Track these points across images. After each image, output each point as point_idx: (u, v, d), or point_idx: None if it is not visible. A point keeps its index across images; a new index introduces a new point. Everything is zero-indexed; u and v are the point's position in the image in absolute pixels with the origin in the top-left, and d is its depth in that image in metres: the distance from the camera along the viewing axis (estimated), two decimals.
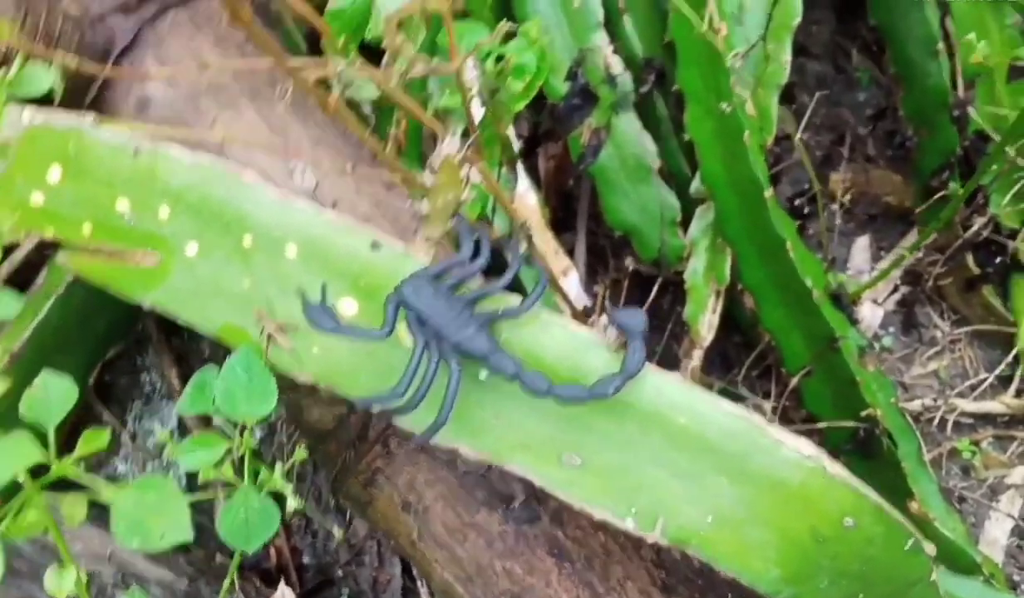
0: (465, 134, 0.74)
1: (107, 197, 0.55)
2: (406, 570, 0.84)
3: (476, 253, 0.49)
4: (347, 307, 0.51)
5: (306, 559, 0.83)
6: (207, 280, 0.53)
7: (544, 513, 0.55)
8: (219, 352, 0.89)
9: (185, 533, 0.36)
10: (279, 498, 0.54)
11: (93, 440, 0.37)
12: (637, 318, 0.46)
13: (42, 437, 0.39)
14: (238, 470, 0.56)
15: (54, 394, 0.39)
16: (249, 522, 0.51)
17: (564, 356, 0.48)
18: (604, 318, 0.49)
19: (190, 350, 0.89)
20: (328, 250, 0.51)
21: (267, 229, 0.52)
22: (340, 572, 0.83)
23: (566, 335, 0.48)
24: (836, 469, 0.46)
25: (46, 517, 0.39)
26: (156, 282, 0.54)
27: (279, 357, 0.52)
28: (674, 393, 0.47)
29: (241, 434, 0.53)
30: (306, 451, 0.58)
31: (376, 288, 0.50)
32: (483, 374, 0.48)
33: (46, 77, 0.36)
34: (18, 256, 0.75)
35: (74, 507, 0.38)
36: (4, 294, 0.37)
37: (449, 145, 0.46)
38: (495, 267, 0.53)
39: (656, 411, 0.47)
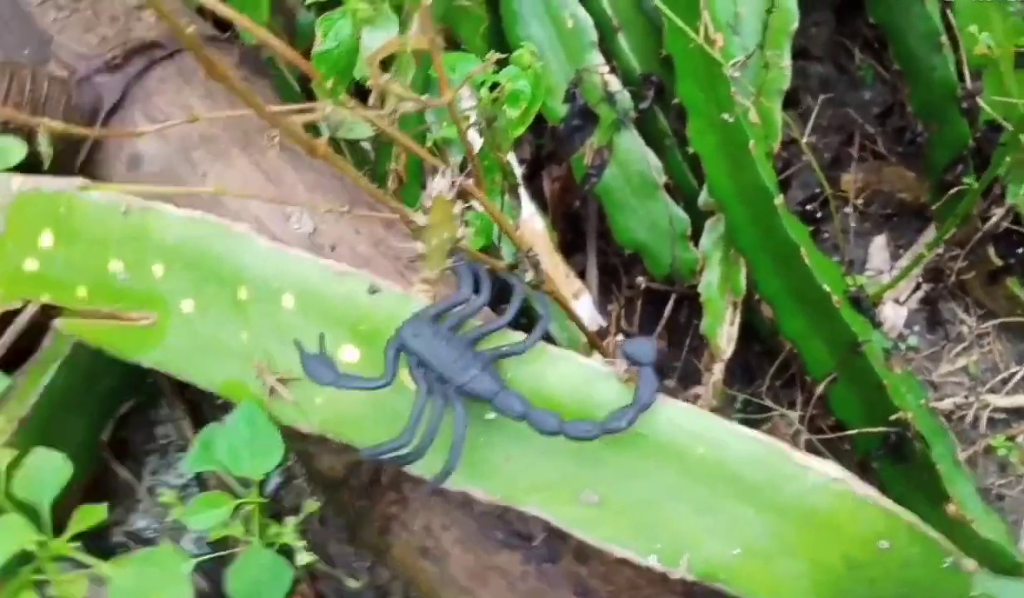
0: (464, 165, 0.73)
1: (100, 259, 0.55)
2: None
3: (477, 290, 0.48)
4: (348, 355, 0.49)
5: None
6: (205, 336, 0.52)
7: (566, 551, 0.53)
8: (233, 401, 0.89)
9: None
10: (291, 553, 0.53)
11: (89, 516, 0.36)
12: (647, 347, 0.44)
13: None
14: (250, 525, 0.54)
15: (47, 471, 0.38)
16: (259, 581, 0.49)
17: (573, 390, 0.46)
18: (615, 346, 0.47)
19: (203, 399, 0.88)
20: (325, 297, 0.50)
21: (262, 280, 0.51)
22: None
23: (574, 368, 0.46)
24: (865, 491, 0.44)
25: None
26: (154, 341, 0.53)
27: (282, 409, 0.51)
28: (690, 422, 0.45)
29: (248, 490, 0.52)
30: (319, 502, 0.56)
31: (376, 333, 0.49)
32: (490, 415, 0.47)
33: (16, 149, 0.35)
34: (23, 320, 0.75)
35: (72, 587, 0.37)
36: None
37: (440, 182, 0.45)
38: (502, 299, 0.51)
39: (673, 442, 0.45)
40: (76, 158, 0.64)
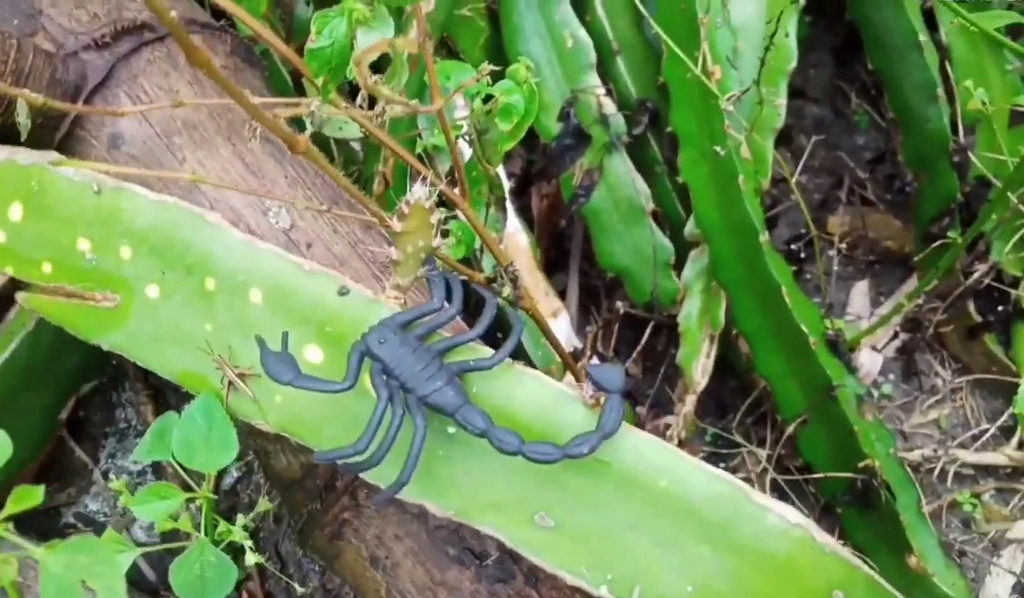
0: (450, 174, 0.72)
1: (68, 237, 0.53)
2: None
3: (450, 300, 0.47)
4: (312, 355, 0.48)
5: None
6: (168, 324, 0.51)
7: (519, 572, 0.52)
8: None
9: None
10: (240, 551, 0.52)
11: (25, 498, 0.35)
12: (615, 374, 0.43)
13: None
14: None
15: None
16: (204, 578, 0.48)
17: (539, 411, 0.45)
18: (584, 369, 0.46)
19: (167, 386, 0.87)
20: (294, 295, 0.49)
21: (231, 273, 0.50)
22: None
23: (541, 389, 0.46)
24: (825, 539, 0.43)
25: None
26: (115, 324, 0.52)
27: (240, 405, 0.50)
28: (654, 454, 0.44)
29: (199, 485, 0.51)
30: (272, 502, 0.55)
31: (343, 336, 0.48)
32: (452, 428, 0.46)
33: None
34: None
35: (3, 567, 0.36)
36: None
37: (419, 190, 0.44)
38: (477, 313, 0.50)
39: (635, 473, 0.44)
40: (56, 133, 0.63)
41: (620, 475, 0.44)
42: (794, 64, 0.84)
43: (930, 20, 0.89)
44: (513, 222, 0.91)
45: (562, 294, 0.98)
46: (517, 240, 0.92)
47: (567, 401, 0.45)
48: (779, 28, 0.78)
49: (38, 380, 0.73)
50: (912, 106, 0.90)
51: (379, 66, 0.75)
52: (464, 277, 0.52)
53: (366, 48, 0.46)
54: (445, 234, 0.47)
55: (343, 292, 0.48)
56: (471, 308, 0.51)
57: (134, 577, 0.78)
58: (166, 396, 0.87)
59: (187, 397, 0.87)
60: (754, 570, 0.43)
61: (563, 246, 1.02)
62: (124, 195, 0.52)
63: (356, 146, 0.91)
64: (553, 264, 1.01)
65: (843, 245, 1.01)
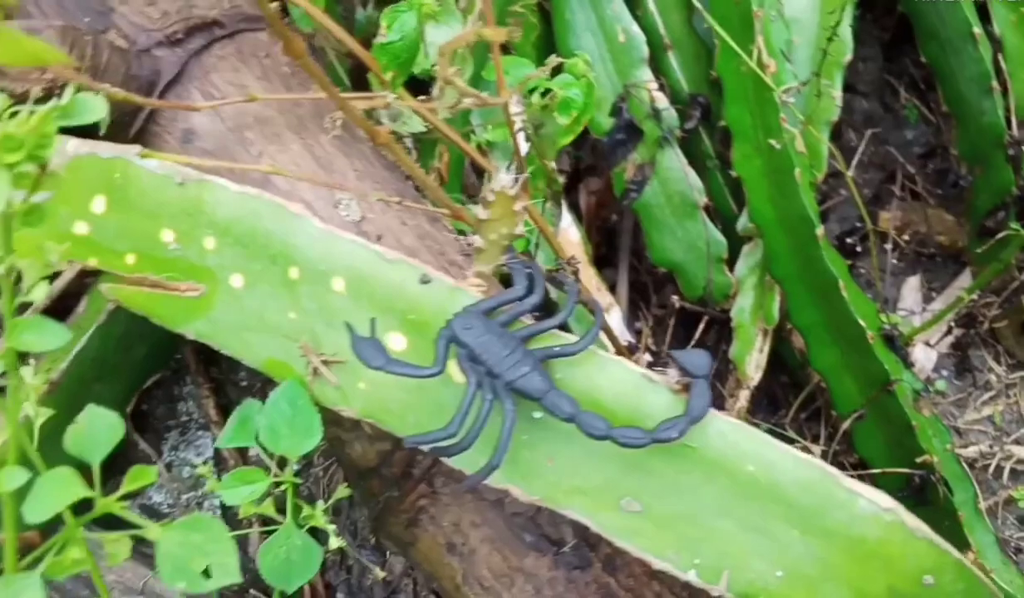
0: (509, 169, 0.73)
1: (151, 228, 0.54)
2: None
3: (530, 289, 0.48)
4: (395, 342, 0.49)
5: (340, 595, 0.81)
6: (252, 312, 0.52)
7: (596, 559, 0.53)
8: (256, 383, 0.88)
9: (233, 575, 0.34)
10: (319, 535, 0.53)
11: (139, 477, 0.36)
12: (702, 359, 0.44)
13: (85, 471, 0.37)
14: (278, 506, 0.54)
15: (99, 429, 0.38)
16: (290, 561, 0.49)
17: (622, 396, 0.46)
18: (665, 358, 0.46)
19: (228, 380, 0.88)
20: (376, 284, 0.50)
21: (314, 262, 0.51)
22: None
23: (625, 375, 0.46)
24: (916, 523, 0.43)
25: (88, 557, 0.37)
26: (200, 313, 0.53)
27: (324, 392, 0.51)
28: (741, 439, 0.45)
29: (282, 469, 0.52)
30: (348, 488, 0.56)
31: (425, 323, 0.49)
32: (537, 414, 0.46)
33: (98, 106, 0.35)
34: (58, 285, 0.75)
35: (118, 546, 0.37)
36: (50, 324, 0.36)
37: (504, 178, 0.44)
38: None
39: (722, 458, 0.44)
40: (130, 129, 0.64)
41: (707, 460, 0.45)
42: (850, 56, 0.84)
43: (983, 13, 0.88)
44: (566, 217, 0.91)
45: (611, 289, 0.98)
46: (569, 235, 0.92)
47: (650, 387, 0.46)
48: (838, 20, 0.78)
49: (108, 372, 0.74)
50: (967, 99, 0.89)
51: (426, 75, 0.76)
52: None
53: (455, 38, 0.47)
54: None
55: (425, 280, 0.49)
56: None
57: None
58: (226, 390, 0.88)
59: (247, 390, 0.89)
60: (844, 555, 0.43)
61: (612, 242, 1.02)
62: (207, 187, 0.53)
63: (408, 143, 0.92)
64: (601, 260, 1.01)
65: (895, 240, 1.00)
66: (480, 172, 0.89)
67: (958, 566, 0.44)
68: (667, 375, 0.45)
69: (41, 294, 0.36)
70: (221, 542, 0.34)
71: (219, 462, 0.85)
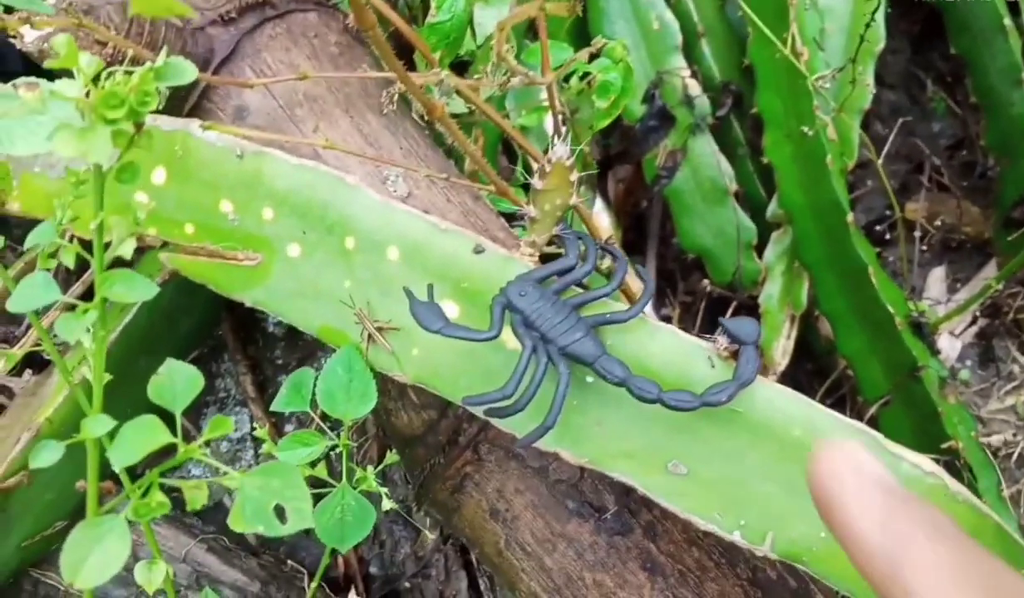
0: (546, 152, 0.75)
1: (211, 199, 0.56)
2: (472, 585, 0.83)
3: (579, 260, 0.49)
4: (448, 310, 0.51)
5: (373, 569, 0.83)
6: (308, 281, 0.54)
7: (637, 525, 0.54)
8: (291, 361, 0.90)
9: (307, 520, 0.36)
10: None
11: (219, 426, 0.38)
12: (751, 327, 0.45)
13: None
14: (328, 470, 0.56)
15: (179, 380, 0.40)
16: (344, 521, 0.51)
17: (671, 363, 0.47)
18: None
19: (264, 358, 0.90)
20: (430, 253, 0.51)
21: (369, 232, 0.53)
22: (407, 584, 0.83)
23: (675, 341, 0.47)
24: (958, 488, 0.44)
25: (168, 501, 0.39)
26: (258, 281, 0.55)
27: (378, 358, 0.52)
28: (787, 404, 0.46)
29: (337, 434, 0.54)
30: (396, 454, 0.58)
31: (478, 292, 0.50)
32: (589, 378, 0.48)
33: (189, 70, 0.37)
34: (108, 256, 0.77)
35: (196, 492, 0.39)
36: (139, 278, 0.38)
37: (561, 148, 0.46)
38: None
39: (768, 422, 0.46)
40: (184, 105, 0.66)
41: (753, 424, 0.46)
42: (882, 45, 0.85)
43: (1013, 6, 0.89)
44: (598, 202, 0.93)
45: (638, 275, 0.99)
46: (600, 220, 0.94)
47: (699, 354, 0.47)
48: (876, 6, 0.79)
49: (154, 345, 0.76)
50: (996, 91, 0.91)
51: (461, 59, 0.78)
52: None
53: (517, 11, 0.48)
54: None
55: (479, 250, 0.50)
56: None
57: (236, 538, 0.81)
58: (263, 368, 0.90)
59: (283, 369, 0.91)
60: None
61: (638, 229, 1.04)
62: (266, 159, 0.54)
63: (439, 128, 0.93)
64: (628, 247, 1.03)
65: (922, 230, 1.02)
66: (513, 158, 0.90)
67: (997, 530, 0.45)
68: (715, 342, 0.47)
69: (129, 250, 0.38)
70: (298, 488, 0.36)
71: (255, 439, 0.87)
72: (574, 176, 0.47)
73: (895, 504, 0.28)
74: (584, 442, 0.48)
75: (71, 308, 0.38)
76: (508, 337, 0.50)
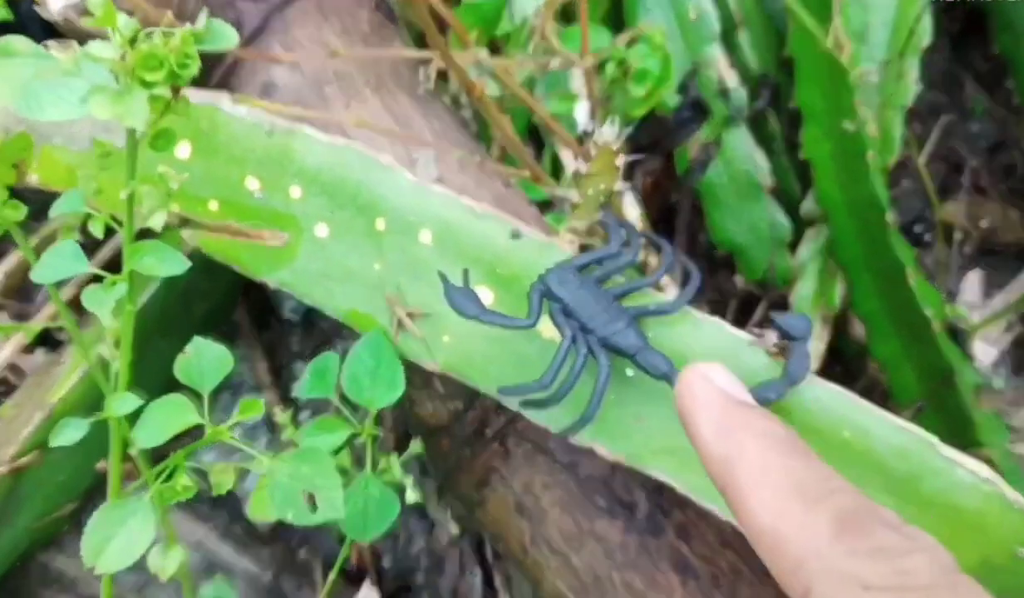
0: (580, 140, 0.73)
1: (237, 175, 0.54)
2: (487, 581, 0.81)
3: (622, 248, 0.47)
4: (482, 296, 0.49)
5: (386, 563, 0.81)
6: (336, 262, 0.52)
7: (669, 526, 0.52)
8: (307, 349, 0.89)
9: (338, 509, 0.34)
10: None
11: (250, 408, 0.36)
12: (802, 323, 0.43)
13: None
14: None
15: (207, 359, 0.38)
16: (368, 511, 0.49)
17: (716, 358, 0.45)
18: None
19: (279, 345, 0.88)
20: (465, 237, 0.49)
21: (402, 213, 0.51)
22: (420, 579, 0.81)
23: (720, 335, 0.45)
24: (1015, 496, 0.42)
25: (196, 483, 0.37)
26: (283, 262, 0.53)
27: (407, 344, 0.50)
28: (837, 405, 0.44)
29: (360, 422, 0.52)
30: (421, 445, 0.56)
31: (513, 278, 0.49)
32: (630, 371, 0.46)
33: (230, 34, 0.35)
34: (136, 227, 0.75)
35: (224, 475, 0.37)
36: (170, 250, 0.36)
37: (607, 131, 0.44)
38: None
39: (817, 422, 0.44)
40: (210, 81, 0.65)
41: (801, 424, 0.44)
42: (928, 41, 0.82)
43: None
44: (628, 195, 0.91)
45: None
46: (629, 212, 0.92)
47: (745, 349, 0.45)
48: (921, 2, 0.77)
49: (170, 327, 0.74)
50: None
51: (495, 41, 0.76)
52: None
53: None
54: (635, 145, 0.47)
55: (516, 235, 0.48)
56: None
57: (248, 527, 0.80)
58: (278, 354, 0.88)
59: (298, 356, 0.89)
60: (940, 523, 0.42)
61: (665, 224, 1.02)
62: (296, 135, 0.52)
63: (467, 115, 0.91)
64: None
65: (957, 235, 0.99)
66: (540, 147, 0.88)
67: None
68: (763, 338, 0.45)
69: (159, 222, 0.36)
70: (329, 476, 0.34)
71: (270, 427, 0.85)
72: (620, 160, 0.44)
73: (735, 415, 0.33)
74: (621, 438, 0.46)
75: (97, 280, 0.37)
76: (543, 326, 0.48)
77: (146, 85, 0.31)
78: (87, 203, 0.42)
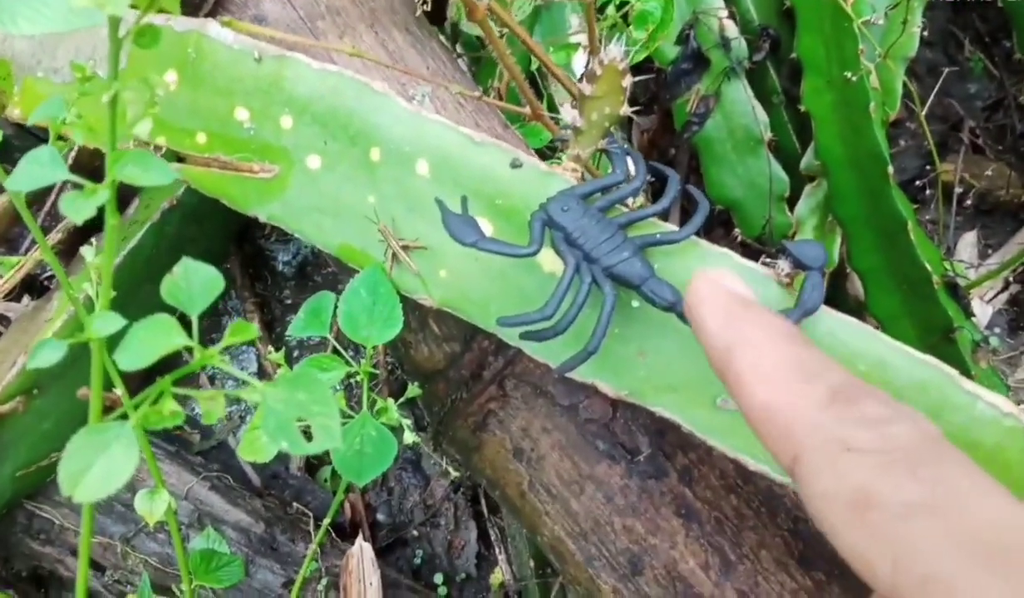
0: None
1: (225, 106, 0.52)
2: (482, 536, 0.80)
3: (627, 176, 0.45)
4: (481, 228, 0.47)
5: (380, 516, 0.80)
6: (329, 195, 0.50)
7: (672, 469, 0.51)
8: (301, 301, 0.87)
9: (335, 438, 0.32)
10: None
11: (241, 331, 0.34)
12: (816, 250, 0.41)
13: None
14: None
15: (197, 281, 0.36)
16: (363, 453, 0.47)
17: None
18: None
19: (272, 297, 0.86)
20: (463, 167, 0.48)
21: (397, 143, 0.49)
22: (415, 532, 0.80)
23: (730, 265, 0.44)
24: None
25: (179, 413, 0.35)
26: (273, 195, 0.51)
27: (403, 279, 0.49)
28: (853, 337, 0.42)
29: (359, 361, 0.50)
30: (419, 387, 0.54)
31: (513, 210, 0.47)
32: (635, 303, 0.44)
33: None
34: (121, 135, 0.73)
35: (212, 403, 0.35)
36: (155, 159, 0.34)
37: (614, 49, 0.42)
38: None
39: (831, 355, 0.42)
40: (199, 13, 0.62)
41: None
42: None
43: None
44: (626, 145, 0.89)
45: None
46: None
47: (757, 279, 0.43)
48: None
49: (158, 273, 0.72)
50: None
51: None
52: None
53: None
54: (632, 102, 0.45)
55: (516, 165, 0.47)
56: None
57: (240, 478, 0.78)
58: (271, 306, 0.87)
59: (292, 308, 0.87)
60: None
61: (661, 179, 1.00)
62: (287, 63, 0.50)
63: (463, 64, 0.89)
64: (651, 197, 0.99)
65: (958, 190, 0.98)
66: (539, 97, 0.86)
67: None
68: (776, 267, 0.43)
69: (145, 130, 0.34)
70: (325, 403, 0.32)
71: (262, 375, 0.84)
72: (627, 82, 0.43)
73: (740, 310, 0.34)
74: (624, 373, 0.45)
75: (78, 188, 0.35)
76: (543, 260, 0.46)
77: None
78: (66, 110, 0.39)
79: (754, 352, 0.32)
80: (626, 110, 0.44)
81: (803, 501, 0.30)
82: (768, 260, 0.43)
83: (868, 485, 0.27)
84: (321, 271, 0.87)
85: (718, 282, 0.35)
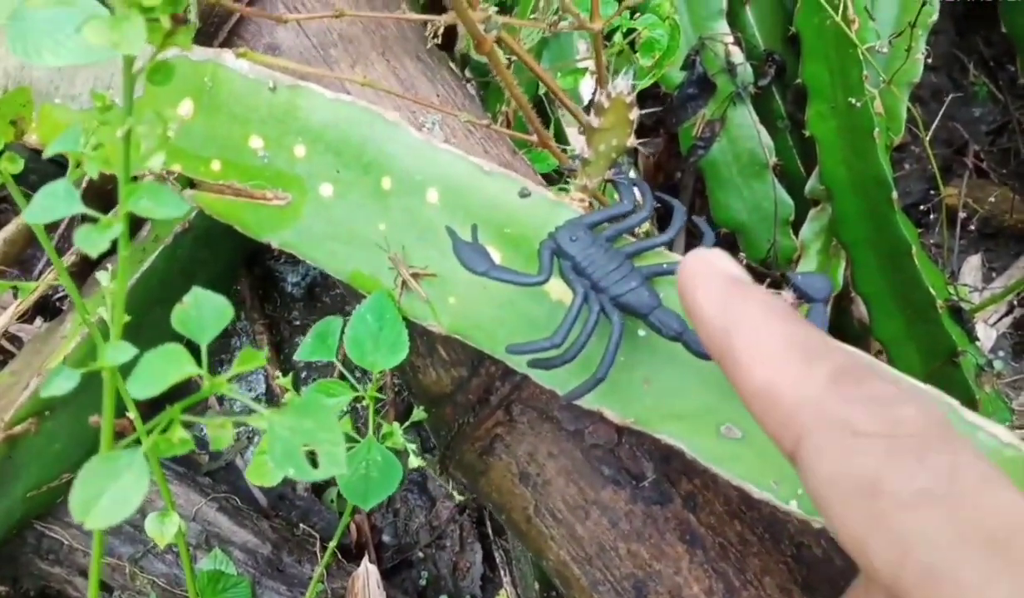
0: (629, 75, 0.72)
1: (240, 134, 0.53)
2: (487, 558, 0.81)
3: (634, 207, 0.46)
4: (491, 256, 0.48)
5: (386, 538, 0.80)
6: (340, 223, 0.51)
7: (676, 495, 0.51)
8: (310, 323, 0.88)
9: (340, 465, 0.33)
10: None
11: (249, 359, 0.35)
12: (822, 282, 0.42)
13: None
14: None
15: (207, 311, 0.37)
16: (369, 478, 0.48)
17: None
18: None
19: (281, 318, 0.87)
20: (473, 196, 0.48)
21: (408, 172, 0.50)
22: (420, 554, 0.80)
23: None
24: None
25: (188, 440, 0.36)
26: (286, 222, 0.52)
27: (412, 306, 0.49)
28: None
29: (364, 386, 0.51)
30: (425, 411, 0.55)
31: (522, 238, 0.48)
32: (642, 332, 0.45)
33: None
34: (135, 168, 0.74)
35: (221, 430, 0.36)
36: (168, 192, 0.35)
37: (622, 83, 0.43)
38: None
39: None
40: (213, 42, 0.63)
41: None
42: (936, 17, 0.82)
43: None
44: (632, 171, 0.90)
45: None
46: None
47: None
48: None
49: (169, 297, 0.73)
50: None
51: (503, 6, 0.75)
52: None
53: None
54: (639, 127, 0.46)
55: (524, 194, 0.48)
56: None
57: (248, 500, 0.79)
58: (280, 328, 0.87)
59: (300, 330, 0.88)
60: None
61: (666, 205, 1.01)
62: (301, 92, 0.51)
63: (471, 89, 0.90)
64: (657, 222, 1.00)
65: (962, 213, 0.99)
66: (547, 121, 0.87)
67: None
68: (783, 297, 0.44)
69: (158, 163, 0.35)
70: (331, 430, 0.33)
71: (271, 399, 0.84)
72: (634, 114, 0.43)
73: (736, 291, 0.33)
74: (630, 401, 0.45)
75: (92, 221, 0.35)
76: (551, 288, 0.47)
77: (143, 10, 0.30)
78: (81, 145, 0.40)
79: (753, 332, 0.31)
80: (633, 141, 0.45)
81: (804, 484, 0.29)
82: (773, 290, 0.44)
83: (875, 472, 0.26)
84: (330, 292, 0.88)
85: (713, 262, 0.34)
